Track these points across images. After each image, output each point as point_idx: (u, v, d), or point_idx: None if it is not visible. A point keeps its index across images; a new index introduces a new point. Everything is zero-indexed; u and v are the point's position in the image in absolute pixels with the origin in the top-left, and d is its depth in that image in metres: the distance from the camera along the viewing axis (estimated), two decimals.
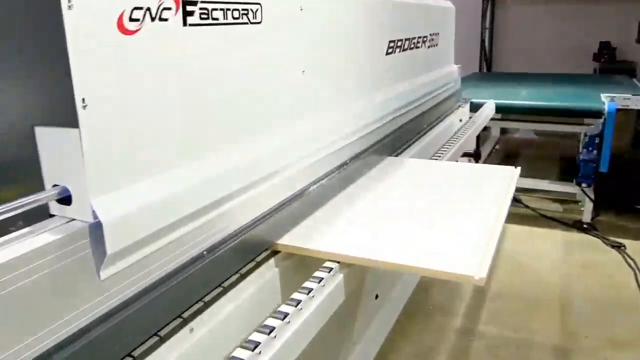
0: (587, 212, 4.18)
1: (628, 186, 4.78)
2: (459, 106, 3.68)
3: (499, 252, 3.74)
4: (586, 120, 4.22)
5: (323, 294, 1.20)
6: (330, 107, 1.70)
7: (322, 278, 1.24)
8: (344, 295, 1.30)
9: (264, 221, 1.29)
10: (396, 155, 2.25)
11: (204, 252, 1.09)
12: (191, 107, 1.06)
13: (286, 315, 1.10)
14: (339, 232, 1.45)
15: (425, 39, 2.65)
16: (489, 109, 3.90)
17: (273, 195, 1.35)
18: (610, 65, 8.19)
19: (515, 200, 4.78)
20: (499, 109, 4.06)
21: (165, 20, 0.96)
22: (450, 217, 1.55)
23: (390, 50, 2.15)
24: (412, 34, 2.42)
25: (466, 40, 9.50)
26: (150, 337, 0.95)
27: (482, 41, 8.94)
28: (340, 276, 1.28)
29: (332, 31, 1.67)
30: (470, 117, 3.84)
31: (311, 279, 1.24)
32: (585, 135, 4.03)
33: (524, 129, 6.27)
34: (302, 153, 1.49)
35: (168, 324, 0.99)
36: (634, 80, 5.72)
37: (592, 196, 4.13)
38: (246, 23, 1.19)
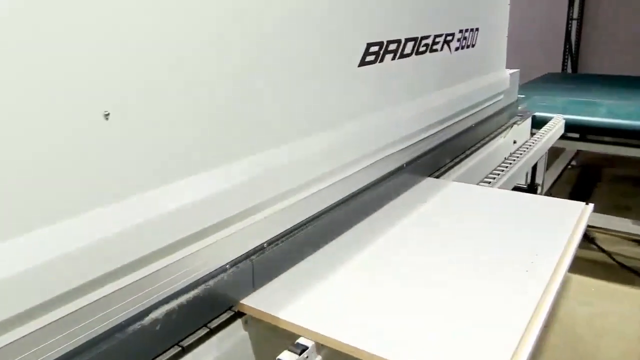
0: None
1: None
2: (514, 124, 2.79)
3: (554, 316, 2.84)
4: None
5: None
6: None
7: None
8: None
9: (225, 275, 1.03)
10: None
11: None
12: None
13: None
14: (319, 299, 1.09)
15: (449, 38, 1.83)
16: (556, 128, 2.99)
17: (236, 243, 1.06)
18: None
19: (587, 240, 3.81)
20: (572, 126, 3.13)
21: None
22: (481, 289, 1.12)
23: (370, 58, 1.37)
24: (419, 31, 1.62)
25: (548, 33, 8.31)
26: None
27: (568, 34, 7.74)
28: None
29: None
30: (532, 136, 2.95)
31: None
32: None
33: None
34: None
35: None
36: None
37: None
38: None
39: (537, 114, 3.16)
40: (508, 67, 2.72)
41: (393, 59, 1.49)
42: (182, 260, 0.93)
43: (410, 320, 1.02)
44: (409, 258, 1.24)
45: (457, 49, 1.92)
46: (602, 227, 3.70)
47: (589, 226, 3.83)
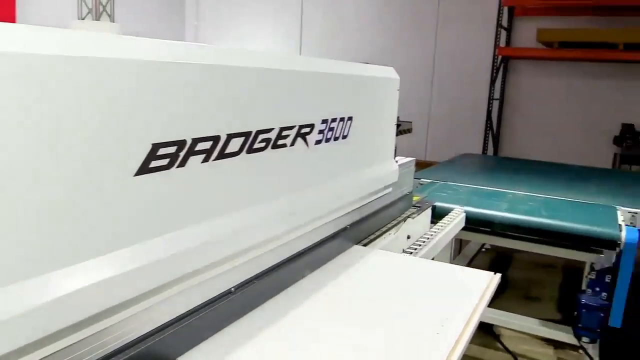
0: None
1: None
2: (409, 217, 2.52)
3: None
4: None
5: None
6: None
7: None
8: None
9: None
10: None
11: None
12: None
13: None
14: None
15: (304, 130, 1.53)
16: (454, 223, 2.74)
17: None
18: (633, 152, 7.05)
19: (493, 337, 3.54)
20: (473, 219, 2.90)
21: None
22: (398, 337, 1.28)
23: (157, 164, 1.02)
24: (252, 124, 1.29)
25: (473, 114, 8.43)
26: None
27: (489, 114, 7.85)
28: None
29: None
30: (432, 227, 2.69)
31: None
32: (592, 268, 2.83)
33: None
34: None
35: None
36: None
37: (597, 358, 2.89)
38: None
39: (437, 204, 2.92)
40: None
41: (206, 160, 1.15)
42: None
43: None
44: (326, 325, 1.34)
45: (318, 142, 1.62)
46: (509, 327, 3.45)
47: (495, 325, 3.59)
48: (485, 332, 3.59)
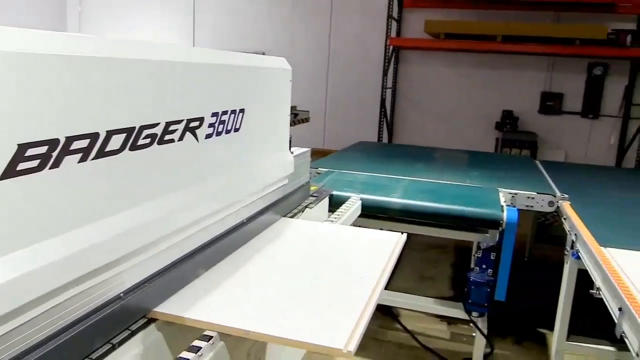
0: (478, 348, 3.13)
1: (529, 303, 3.84)
2: (306, 207, 2.53)
3: None
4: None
5: None
6: None
7: (200, 347, 1.28)
8: None
9: (140, 290, 1.25)
10: None
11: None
12: None
13: None
14: (216, 301, 1.43)
15: (193, 124, 1.47)
16: (351, 210, 2.80)
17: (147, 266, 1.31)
18: (512, 136, 7.62)
19: (392, 318, 3.69)
20: (368, 206, 2.98)
21: None
22: (328, 286, 1.58)
23: (25, 167, 0.94)
24: (136, 119, 1.23)
25: (368, 103, 8.65)
26: None
27: (382, 102, 8.10)
28: (219, 345, 1.34)
29: None
30: (330, 216, 2.73)
31: (187, 350, 1.26)
32: (479, 247, 3.02)
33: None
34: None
35: None
36: (537, 162, 4.92)
37: (485, 330, 3.09)
38: None
39: (335, 193, 2.97)
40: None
41: (83, 160, 1.07)
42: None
43: (277, 308, 1.40)
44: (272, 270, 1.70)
45: (209, 136, 1.57)
46: (406, 307, 3.60)
47: (393, 307, 3.73)
48: (385, 314, 3.73)
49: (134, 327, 1.23)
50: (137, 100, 1.24)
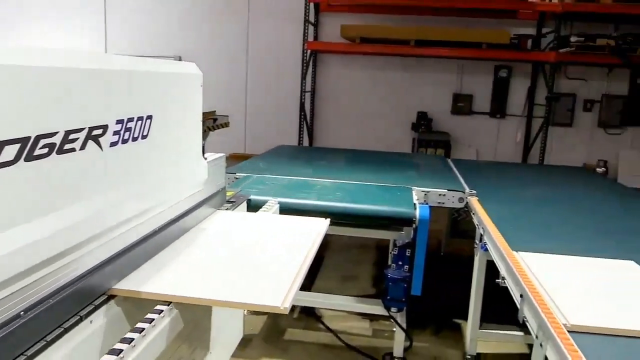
0: (398, 343, 3.23)
1: (445, 296, 4.02)
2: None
3: None
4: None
5: (154, 332, 1.42)
6: None
7: (154, 319, 1.45)
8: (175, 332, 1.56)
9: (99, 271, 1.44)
10: None
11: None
12: None
13: (120, 351, 1.27)
14: (166, 278, 1.63)
15: (96, 132, 1.43)
16: (269, 213, 2.81)
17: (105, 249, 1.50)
18: (426, 136, 7.92)
19: (316, 319, 3.73)
20: (287, 210, 3.00)
21: None
22: (262, 260, 1.85)
23: None
24: (28, 129, 1.18)
25: (288, 106, 8.69)
26: None
27: (302, 105, 8.17)
28: (173, 314, 1.54)
29: None
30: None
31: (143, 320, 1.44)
32: (395, 245, 3.12)
33: None
34: None
35: None
36: (449, 161, 5.15)
37: (404, 324, 3.21)
38: None
39: (253, 197, 2.97)
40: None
41: None
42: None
43: (222, 280, 1.65)
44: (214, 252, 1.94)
45: (114, 144, 1.53)
46: (329, 308, 3.66)
47: (316, 308, 3.78)
48: (308, 315, 3.77)
49: (97, 302, 1.42)
50: (33, 109, 1.19)
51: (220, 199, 2.54)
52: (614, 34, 7.32)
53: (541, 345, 1.76)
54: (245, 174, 3.53)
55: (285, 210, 2.96)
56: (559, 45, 7.35)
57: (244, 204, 2.83)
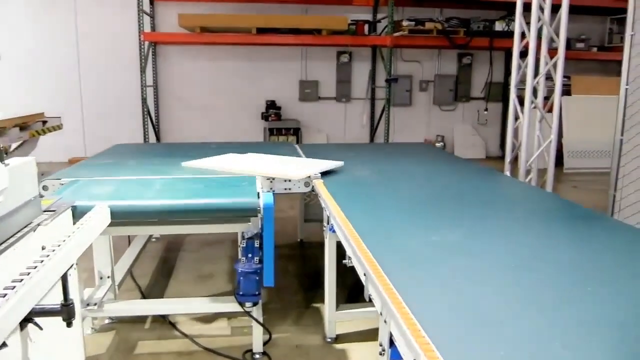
0: (257, 338, 3.13)
1: (302, 282, 3.99)
2: (38, 225, 2.19)
3: None
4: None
5: None
6: None
7: None
8: None
9: None
10: None
11: None
12: None
13: None
14: None
15: None
16: (95, 220, 2.53)
17: None
18: (278, 124, 7.91)
19: (170, 326, 3.50)
20: (121, 213, 2.73)
21: None
22: None
23: None
24: None
25: (129, 103, 8.10)
26: None
27: (144, 101, 7.70)
28: None
29: None
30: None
31: None
32: (243, 237, 3.00)
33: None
34: None
35: None
36: (297, 147, 5.14)
37: (261, 318, 3.11)
38: None
39: (78, 204, 2.66)
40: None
41: None
42: None
43: None
44: None
45: None
46: (181, 313, 3.45)
47: (168, 315, 3.55)
48: (162, 324, 3.52)
49: None
50: None
51: (33, 210, 2.22)
52: (440, 18, 7.86)
53: (385, 322, 1.75)
54: (72, 179, 3.17)
55: (119, 214, 2.70)
56: (394, 30, 7.72)
57: (69, 212, 2.52)
